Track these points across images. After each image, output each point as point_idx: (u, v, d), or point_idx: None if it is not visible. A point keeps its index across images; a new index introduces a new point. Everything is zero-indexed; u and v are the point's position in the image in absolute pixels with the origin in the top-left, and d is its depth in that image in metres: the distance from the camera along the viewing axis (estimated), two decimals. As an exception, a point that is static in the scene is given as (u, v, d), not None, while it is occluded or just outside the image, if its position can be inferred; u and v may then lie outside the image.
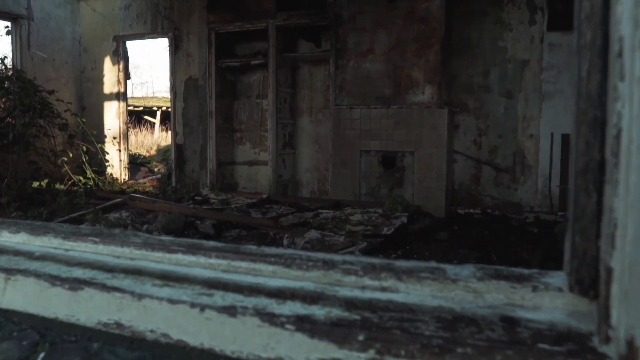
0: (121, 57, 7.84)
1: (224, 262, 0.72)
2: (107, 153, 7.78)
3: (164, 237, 0.81)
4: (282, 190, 6.66)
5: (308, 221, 4.87)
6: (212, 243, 0.76)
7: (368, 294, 0.62)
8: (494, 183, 5.75)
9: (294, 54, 6.71)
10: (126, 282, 0.69)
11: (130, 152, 9.22)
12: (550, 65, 5.44)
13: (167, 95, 10.73)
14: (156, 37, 7.73)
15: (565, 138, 5.38)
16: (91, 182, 7.08)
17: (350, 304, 0.60)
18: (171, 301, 0.62)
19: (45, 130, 6.71)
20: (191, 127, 7.25)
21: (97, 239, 0.83)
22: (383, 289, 0.63)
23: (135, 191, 7.02)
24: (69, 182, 6.69)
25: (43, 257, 0.81)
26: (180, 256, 0.75)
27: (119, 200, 5.72)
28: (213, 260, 0.73)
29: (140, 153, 12.44)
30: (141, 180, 8.39)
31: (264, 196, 6.20)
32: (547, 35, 5.42)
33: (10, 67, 7.00)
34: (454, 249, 4.23)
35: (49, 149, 6.78)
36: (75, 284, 0.70)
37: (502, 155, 5.70)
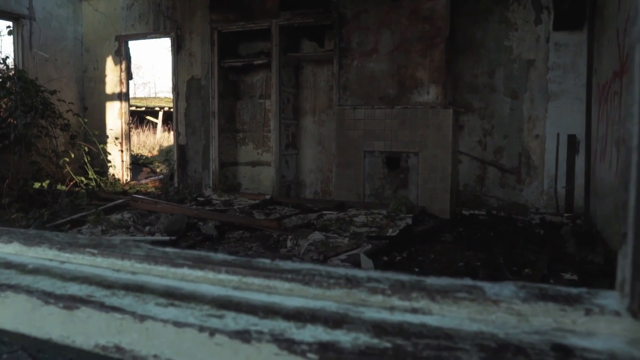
0: (123, 57, 7.79)
1: (234, 278, 0.65)
2: (109, 154, 7.73)
3: (168, 249, 0.75)
4: (285, 191, 6.60)
5: (312, 222, 4.82)
6: (221, 256, 0.70)
7: (398, 317, 0.55)
8: (499, 184, 5.68)
9: (297, 54, 6.65)
10: (127, 301, 0.62)
11: (133, 153, 9.17)
12: (556, 65, 5.38)
13: (170, 95, 10.71)
14: (158, 37, 7.68)
15: (571, 138, 5.31)
16: (93, 183, 7.04)
17: (378, 328, 0.53)
18: (177, 324, 0.56)
19: (47, 130, 6.67)
20: (194, 127, 7.20)
21: (96, 251, 0.77)
22: (414, 311, 0.56)
23: (138, 192, 6.97)
24: (71, 183, 6.65)
25: (36, 271, 0.74)
26: (186, 271, 0.69)
27: (121, 201, 5.66)
28: (223, 276, 0.66)
29: (143, 153, 12.41)
30: (143, 181, 8.33)
31: (267, 197, 6.14)
32: (553, 34, 5.36)
33: (12, 67, 6.96)
34: (460, 251, 4.17)
35: (51, 149, 6.74)
36: (71, 302, 0.63)
37: (507, 156, 5.64)
